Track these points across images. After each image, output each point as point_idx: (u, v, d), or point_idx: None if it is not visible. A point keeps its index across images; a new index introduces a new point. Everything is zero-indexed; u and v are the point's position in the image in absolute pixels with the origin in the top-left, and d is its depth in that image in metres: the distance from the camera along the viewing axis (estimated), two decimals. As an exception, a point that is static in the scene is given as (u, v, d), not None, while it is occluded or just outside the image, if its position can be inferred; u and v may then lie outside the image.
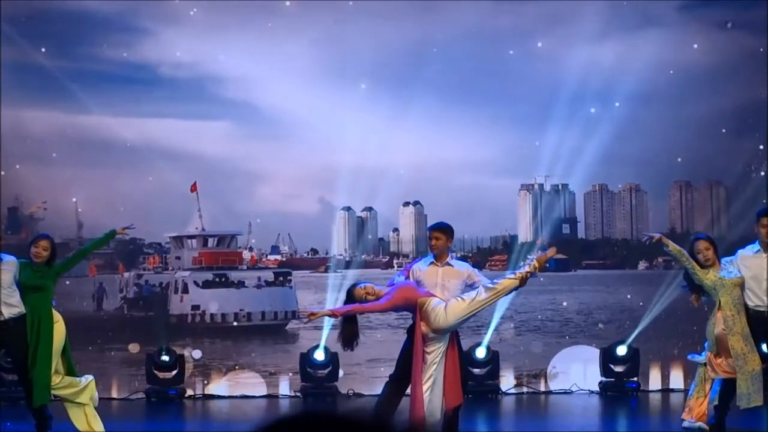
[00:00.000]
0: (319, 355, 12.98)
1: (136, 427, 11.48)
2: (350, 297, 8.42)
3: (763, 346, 9.00)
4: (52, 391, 9.01)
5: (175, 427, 12.03)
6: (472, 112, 16.09)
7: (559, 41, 15.63)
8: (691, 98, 15.53)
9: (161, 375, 12.90)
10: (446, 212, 15.21)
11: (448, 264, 8.66)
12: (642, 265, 17.48)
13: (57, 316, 9.06)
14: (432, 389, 8.20)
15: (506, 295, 8.59)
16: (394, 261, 18.31)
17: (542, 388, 13.83)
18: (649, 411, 12.53)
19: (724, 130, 15.17)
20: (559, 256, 17.78)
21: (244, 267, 17.35)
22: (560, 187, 17.65)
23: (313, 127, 15.80)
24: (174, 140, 15.20)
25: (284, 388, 13.89)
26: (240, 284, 16.95)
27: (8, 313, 8.90)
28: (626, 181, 18.33)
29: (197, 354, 14.84)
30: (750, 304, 8.98)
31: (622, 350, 13.09)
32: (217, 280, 16.92)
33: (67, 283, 13.13)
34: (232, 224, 17.08)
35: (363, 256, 17.44)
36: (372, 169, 15.16)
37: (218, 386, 13.85)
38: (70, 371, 9.12)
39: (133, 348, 14.74)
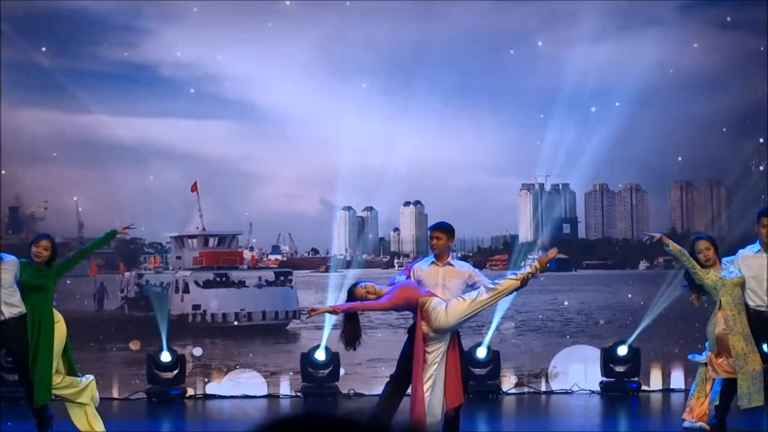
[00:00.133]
0: (320, 355, 12.98)
1: (136, 427, 11.48)
2: (351, 296, 8.43)
3: (764, 346, 9.00)
4: (53, 391, 9.01)
5: (175, 427, 12.03)
6: (473, 112, 16.09)
7: (559, 41, 15.63)
8: (692, 98, 15.53)
9: (162, 375, 12.91)
10: (447, 212, 15.18)
11: (449, 264, 8.66)
12: (643, 264, 17.47)
13: (58, 316, 9.06)
14: (432, 389, 8.20)
15: (507, 295, 8.59)
16: (395, 261, 18.31)
17: (543, 388, 13.83)
18: (649, 411, 12.53)
19: (724, 130, 15.17)
20: (560, 255, 17.77)
21: (245, 267, 17.35)
22: (561, 186, 17.65)
23: (314, 127, 15.80)
24: (174, 140, 15.21)
25: (285, 388, 13.89)
26: (241, 284, 16.96)
27: (9, 312, 8.91)
28: (627, 180, 18.34)
29: (198, 351, 14.86)
30: (751, 304, 8.99)
31: (622, 350, 13.09)
32: (218, 279, 16.92)
33: (68, 282, 13.13)
34: (232, 224, 17.08)
35: (363, 256, 17.44)
36: (372, 168, 15.17)
37: (219, 386, 13.85)
38: (71, 371, 9.13)
39: (134, 345, 14.76)
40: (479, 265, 15.51)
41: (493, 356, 13.06)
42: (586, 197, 18.22)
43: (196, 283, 16.66)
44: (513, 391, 13.57)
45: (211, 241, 17.22)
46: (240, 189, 16.52)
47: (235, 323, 16.31)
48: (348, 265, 17.02)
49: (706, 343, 9.14)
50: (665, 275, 13.79)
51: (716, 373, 9.04)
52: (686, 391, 9.60)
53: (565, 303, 16.58)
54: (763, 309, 8.97)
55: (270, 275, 17.22)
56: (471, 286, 8.54)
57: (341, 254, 17.22)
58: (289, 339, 16.21)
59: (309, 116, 15.83)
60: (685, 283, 9.25)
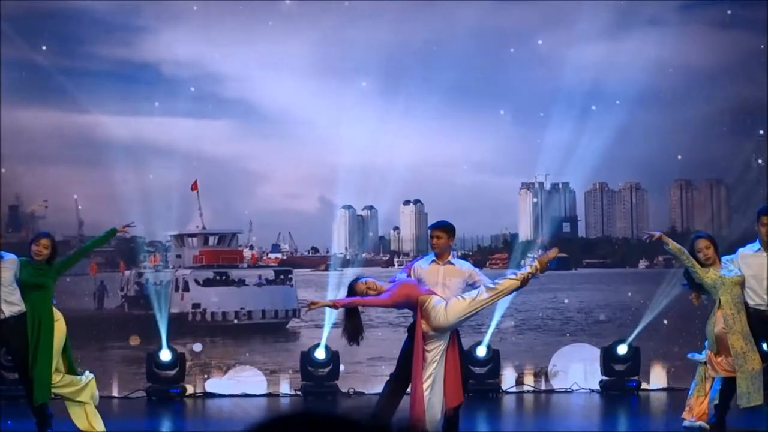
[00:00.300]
0: (320, 354, 12.99)
1: (136, 425, 11.49)
2: (351, 291, 8.44)
3: (764, 345, 9.00)
4: (53, 390, 9.02)
5: (175, 426, 12.04)
6: (473, 111, 16.10)
7: (559, 40, 15.63)
8: (692, 97, 15.53)
9: (162, 373, 12.91)
10: (446, 210, 15.18)
11: (450, 263, 8.66)
12: (642, 263, 17.48)
13: (57, 314, 9.07)
14: (432, 388, 8.20)
15: (507, 295, 8.60)
16: (395, 259, 18.31)
17: (543, 387, 13.84)
18: (649, 410, 12.53)
19: (724, 129, 15.17)
20: (560, 254, 17.78)
21: (245, 265, 17.35)
22: (560, 185, 17.65)
23: (314, 126, 15.81)
24: (174, 139, 15.20)
25: (285, 386, 13.90)
26: (241, 282, 16.96)
27: (9, 311, 8.92)
28: (626, 179, 18.34)
29: (197, 347, 14.89)
30: (750, 303, 8.99)
31: (622, 349, 13.10)
32: (218, 278, 16.92)
33: (68, 280, 13.14)
34: (232, 223, 17.08)
35: (363, 255, 17.44)
36: (372, 167, 15.17)
37: (219, 385, 13.85)
38: (71, 369, 9.14)
39: (133, 340, 14.77)
40: (479, 263, 15.52)
41: (493, 355, 13.06)
42: (585, 196, 18.22)
43: (196, 281, 16.66)
44: (513, 389, 13.58)
45: (211, 240, 17.22)
46: (240, 188, 16.53)
47: (235, 322, 16.31)
48: (348, 263, 17.03)
49: (706, 342, 9.15)
50: (665, 274, 13.80)
51: (716, 372, 9.04)
52: (686, 390, 9.59)
53: (565, 301, 16.59)
54: (762, 308, 8.97)
55: (270, 274, 17.22)
56: (471, 285, 8.54)
57: (341, 253, 17.22)
58: (289, 338, 16.21)
59: (309, 115, 15.84)
60: (685, 281, 9.26)
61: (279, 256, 18.30)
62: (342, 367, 13.18)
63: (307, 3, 15.33)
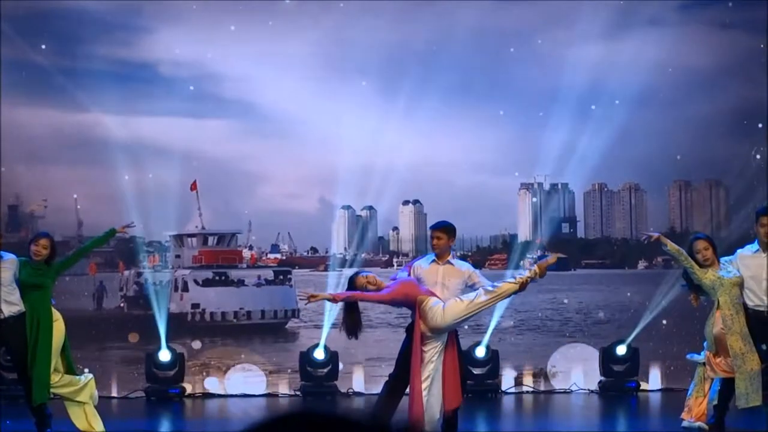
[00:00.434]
0: (319, 354, 12.99)
1: (135, 425, 11.49)
2: (352, 284, 8.45)
3: (763, 346, 9.00)
4: (52, 390, 9.02)
5: (174, 426, 12.03)
6: (472, 111, 16.10)
7: (559, 40, 15.64)
8: (691, 97, 15.54)
9: (161, 374, 12.91)
10: (446, 211, 15.19)
11: (449, 263, 8.67)
12: (641, 264, 17.48)
13: (56, 315, 9.07)
14: (430, 389, 8.20)
15: (505, 298, 8.61)
16: (394, 260, 18.31)
17: (542, 388, 13.84)
18: (648, 411, 12.54)
19: (723, 129, 15.18)
20: (559, 255, 17.79)
21: (244, 265, 17.35)
22: (560, 186, 17.65)
23: (313, 126, 15.81)
24: (174, 139, 15.21)
25: (284, 386, 13.90)
26: (240, 283, 16.96)
27: (8, 311, 8.92)
28: (625, 180, 18.34)
29: (197, 344, 14.91)
30: (749, 303, 8.99)
31: (621, 350, 13.10)
32: (217, 278, 16.92)
33: (67, 279, 13.13)
34: (232, 223, 17.08)
35: (363, 255, 17.43)
36: (372, 167, 15.16)
37: (218, 385, 13.85)
38: (70, 370, 9.14)
39: (132, 337, 14.78)
40: (478, 264, 15.52)
41: (492, 355, 13.06)
42: (585, 197, 18.22)
43: (196, 281, 16.66)
44: (512, 390, 13.58)
45: (211, 240, 17.22)
46: (239, 188, 16.53)
47: (234, 322, 16.31)
48: (347, 264, 17.02)
49: (705, 343, 9.15)
50: (664, 275, 13.80)
51: (714, 373, 9.04)
52: (685, 390, 9.59)
53: (565, 302, 16.59)
54: (762, 309, 8.97)
55: (269, 274, 17.22)
56: (470, 287, 8.54)
57: (340, 253, 17.22)
58: (288, 338, 16.21)
59: (308, 115, 15.84)
60: (684, 282, 9.26)
61: (278, 256, 18.30)
62: (341, 367, 13.18)
63: (307, 3, 15.33)
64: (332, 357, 12.99)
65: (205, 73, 15.65)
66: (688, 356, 9.54)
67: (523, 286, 8.31)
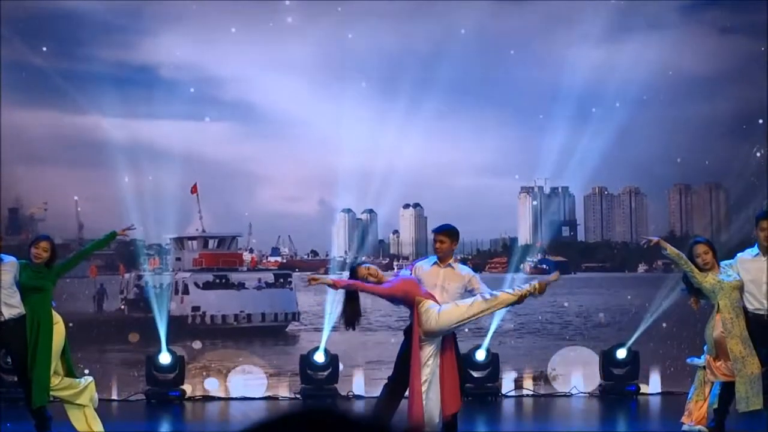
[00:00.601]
0: (319, 357, 13.00)
1: (135, 428, 11.49)
2: (353, 274, 8.43)
3: (763, 350, 9.00)
4: (52, 393, 9.02)
5: (174, 429, 12.03)
6: (472, 114, 16.10)
7: (559, 42, 15.64)
8: (691, 100, 15.54)
9: (161, 376, 12.92)
10: (446, 214, 15.16)
11: (450, 266, 8.67)
12: (641, 267, 17.48)
13: (57, 317, 9.07)
14: (427, 393, 8.17)
15: (502, 308, 8.59)
16: (394, 263, 18.31)
17: (542, 391, 13.84)
18: (648, 414, 12.54)
19: (723, 133, 15.19)
20: (559, 258, 17.80)
21: (245, 268, 17.35)
22: (560, 189, 17.65)
23: (314, 128, 15.81)
24: (174, 141, 15.20)
25: (284, 389, 13.90)
26: (240, 286, 16.96)
27: (8, 313, 8.92)
28: (626, 183, 18.34)
29: (197, 344, 14.92)
30: (750, 307, 8.99)
31: (621, 353, 13.10)
32: (218, 281, 16.92)
33: (67, 282, 13.14)
34: (232, 226, 17.08)
35: (363, 258, 17.43)
36: (372, 170, 15.17)
37: (218, 387, 13.86)
38: (70, 372, 9.14)
39: (133, 337, 14.79)
40: (478, 267, 15.53)
41: (492, 358, 13.07)
42: (585, 200, 18.22)
43: (196, 284, 16.66)
44: (512, 393, 13.58)
45: (211, 243, 17.22)
46: (240, 191, 16.53)
47: (235, 325, 16.31)
48: (347, 267, 17.01)
49: (705, 347, 9.15)
50: (664, 278, 13.81)
51: (715, 377, 9.05)
52: (685, 394, 9.59)
53: (565, 305, 16.59)
54: (762, 313, 8.97)
55: (269, 277, 17.22)
56: (470, 292, 8.54)
57: (341, 256, 17.22)
58: (289, 341, 16.20)
59: (309, 118, 15.84)
60: (684, 286, 9.26)
61: (278, 259, 18.30)
62: (341, 369, 13.18)
63: (307, 4, 15.34)
64: (332, 360, 13.00)
65: (206, 76, 15.66)
66: (688, 360, 9.55)
67: (521, 299, 8.31)
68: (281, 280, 17.12)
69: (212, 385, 13.92)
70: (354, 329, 8.58)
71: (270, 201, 16.83)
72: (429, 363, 8.20)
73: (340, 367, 13.16)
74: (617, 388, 13.01)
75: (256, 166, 16.63)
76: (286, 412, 1.66)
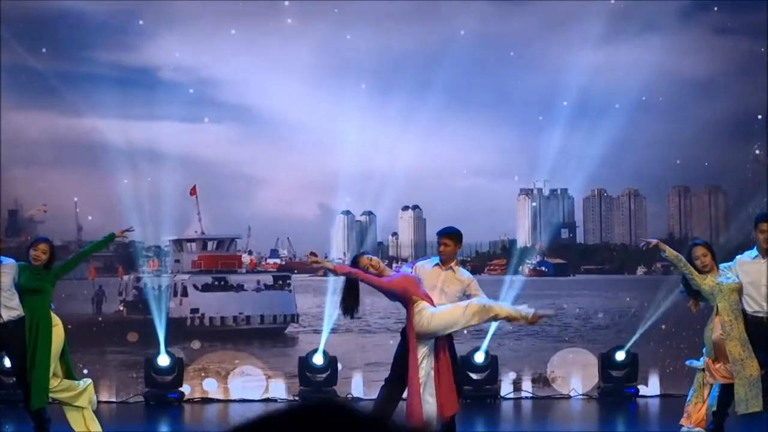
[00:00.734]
0: (318, 359, 13.00)
1: (134, 430, 11.49)
2: (355, 263, 8.39)
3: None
4: (51, 395, 9.02)
5: (173, 431, 12.03)
6: (472, 116, 16.10)
7: (558, 45, 15.64)
8: (691, 102, 15.55)
9: (160, 378, 12.91)
10: (445, 216, 15.16)
11: (452, 269, 8.65)
12: (640, 270, 17.48)
13: (56, 319, 9.08)
14: (422, 395, 8.14)
15: (492, 321, 8.54)
16: (393, 265, 18.26)
17: (541, 393, 13.84)
18: (647, 416, 12.54)
19: (723, 135, 15.19)
20: (558, 260, 17.80)
21: (244, 270, 17.34)
22: (559, 191, 17.65)
23: (313, 131, 15.81)
24: (173, 143, 15.20)
25: (283, 391, 13.89)
26: (239, 288, 16.95)
27: (7, 315, 8.92)
28: (625, 185, 18.33)
29: (196, 345, 14.93)
30: (749, 310, 8.99)
31: (620, 355, 13.10)
32: (217, 283, 16.91)
33: (66, 284, 13.13)
34: (231, 228, 17.07)
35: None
36: (371, 173, 15.17)
37: (217, 389, 13.85)
38: (69, 374, 9.14)
39: (132, 336, 14.79)
40: (477, 269, 15.53)
41: (491, 361, 13.07)
42: (584, 202, 18.22)
43: (195, 286, 16.65)
44: (511, 395, 13.57)
45: (210, 245, 17.21)
46: (239, 193, 16.53)
47: (234, 327, 16.31)
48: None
49: (704, 349, 9.15)
50: (663, 281, 13.81)
51: (714, 379, 9.05)
52: (684, 396, 9.59)
53: (564, 307, 16.58)
54: (761, 315, 8.97)
55: (268, 279, 17.21)
56: (467, 296, 8.53)
57: (340, 258, 17.21)
58: (287, 343, 16.20)
59: (308, 119, 15.84)
60: (683, 288, 9.27)
61: (277, 261, 18.30)
62: (340, 371, 13.18)
63: (306, 7, 15.34)
64: (331, 362, 13.00)
65: (205, 77, 15.67)
66: (687, 363, 9.55)
67: (511, 319, 8.26)
68: (280, 282, 17.12)
69: (211, 387, 13.92)
70: (352, 317, 8.53)
71: (269, 203, 16.83)
72: (423, 365, 8.18)
73: (339, 369, 13.16)
74: (616, 390, 13.01)
75: (255, 168, 16.63)
76: (284, 408, 1.65)
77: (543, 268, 17.64)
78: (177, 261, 16.97)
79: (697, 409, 9.18)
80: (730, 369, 8.90)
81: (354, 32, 15.29)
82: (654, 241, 9.24)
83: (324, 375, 12.97)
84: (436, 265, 8.67)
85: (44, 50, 15.01)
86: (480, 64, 15.59)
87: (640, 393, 13.14)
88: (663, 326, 13.89)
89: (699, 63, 15.61)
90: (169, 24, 15.56)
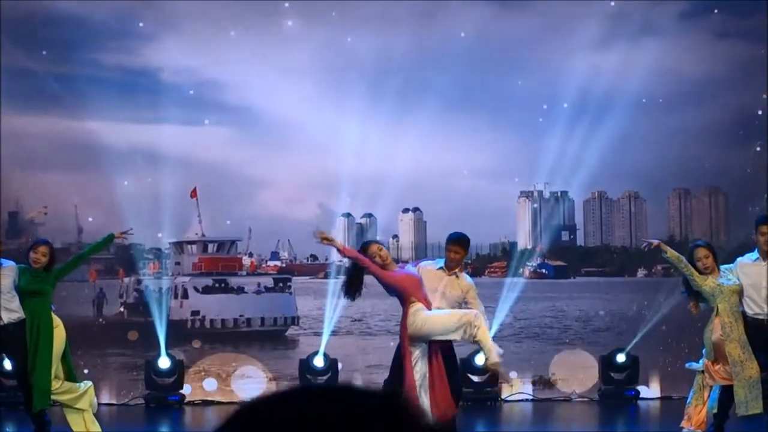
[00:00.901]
0: (319, 362, 12.99)
1: (135, 432, 11.49)
2: (364, 249, 8.35)
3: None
4: (52, 396, 9.02)
5: (173, 433, 12.03)
6: (472, 118, 16.11)
7: (558, 48, 15.65)
8: (691, 105, 15.55)
9: (160, 381, 12.91)
10: (445, 219, 15.20)
11: (456, 275, 8.63)
12: (641, 272, 17.48)
13: (57, 321, 9.08)
14: (419, 398, 8.12)
15: (470, 341, 8.46)
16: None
17: (541, 396, 13.83)
18: (648, 419, 12.53)
19: (723, 137, 15.19)
20: (559, 263, 17.81)
21: (244, 273, 17.34)
22: (559, 194, 17.66)
23: (314, 134, 15.82)
24: (174, 146, 15.20)
25: (283, 394, 13.87)
26: (240, 290, 16.95)
27: (8, 318, 8.93)
28: (625, 188, 18.35)
29: (197, 343, 14.95)
30: (749, 312, 8.99)
31: (621, 358, 13.09)
32: (217, 285, 16.92)
33: (66, 286, 13.13)
34: (231, 230, 17.08)
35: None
36: (372, 175, 15.17)
37: (217, 392, 13.85)
38: (70, 376, 9.14)
39: (132, 335, 14.80)
40: (478, 272, 15.53)
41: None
42: (584, 204, 18.23)
43: (195, 289, 16.65)
44: (511, 398, 13.57)
45: (210, 247, 17.22)
46: (239, 195, 16.54)
47: (234, 329, 16.31)
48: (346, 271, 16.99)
49: (703, 350, 9.15)
50: (663, 283, 13.81)
51: (713, 380, 9.04)
52: (685, 398, 9.59)
53: (564, 309, 16.59)
54: (762, 317, 8.96)
55: (269, 281, 17.22)
56: (465, 303, 8.53)
57: (340, 260, 17.22)
58: (288, 345, 16.20)
59: (308, 122, 15.85)
60: (684, 289, 9.27)
61: (278, 263, 18.31)
62: (340, 372, 13.17)
63: (307, 9, 15.35)
64: (332, 364, 13.00)
65: (205, 80, 15.68)
66: (687, 365, 9.54)
67: (483, 346, 8.21)
68: (281, 285, 17.12)
69: (211, 390, 13.91)
70: (353, 300, 8.48)
71: (269, 205, 16.84)
72: (418, 368, 8.18)
73: (340, 371, 13.15)
74: (617, 392, 13.00)
75: (255, 169, 16.64)
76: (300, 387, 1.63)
77: (543, 271, 17.65)
78: (177, 263, 16.98)
79: (698, 411, 9.17)
80: (729, 370, 8.90)
81: (354, 34, 15.30)
82: (655, 242, 9.25)
83: (324, 377, 12.97)
84: (441, 268, 8.65)
85: (44, 52, 15.03)
86: (480, 66, 15.60)
87: (641, 395, 13.12)
88: (663, 328, 13.89)
89: (699, 65, 15.62)
90: (170, 26, 15.57)
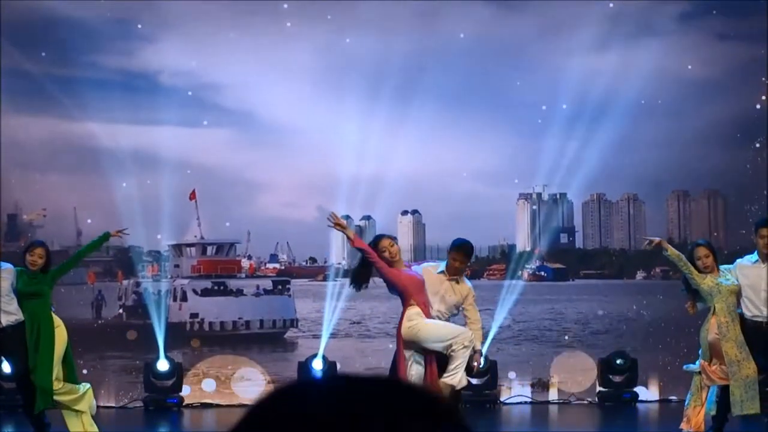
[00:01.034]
0: (318, 364, 12.97)
1: (133, 435, 11.47)
2: (375, 241, 8.37)
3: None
4: (54, 397, 9.02)
5: (172, 435, 12.02)
6: (471, 121, 16.11)
7: (558, 50, 15.66)
8: (690, 107, 15.56)
9: (159, 383, 12.89)
10: (444, 221, 15.22)
11: (456, 280, 8.62)
12: (640, 274, 17.48)
13: (58, 321, 9.08)
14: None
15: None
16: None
17: (540, 398, 13.82)
18: (647, 421, 12.52)
19: (722, 139, 15.20)
20: (557, 265, 17.81)
21: (243, 275, 17.34)
22: (558, 196, 17.66)
23: (312, 136, 15.82)
24: (173, 148, 15.20)
25: (282, 396, 13.85)
26: (238, 292, 16.95)
27: (6, 320, 8.92)
28: (624, 190, 18.35)
29: (196, 343, 14.95)
30: (747, 314, 8.99)
31: (620, 360, 13.09)
32: (216, 288, 16.91)
33: (67, 286, 13.13)
34: (230, 232, 17.08)
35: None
36: (370, 177, 15.17)
37: (216, 394, 13.83)
38: (71, 378, 9.13)
39: (131, 335, 14.79)
40: (476, 274, 15.52)
41: (491, 366, 13.05)
42: (583, 207, 18.23)
43: (194, 291, 16.65)
44: (510, 401, 13.56)
45: (209, 250, 17.22)
46: (238, 197, 16.54)
47: (233, 331, 16.30)
48: (346, 274, 17.01)
49: (699, 351, 9.15)
50: (662, 285, 13.81)
51: (711, 381, 9.04)
52: (683, 400, 9.58)
53: (563, 312, 16.58)
54: (760, 319, 8.96)
55: (268, 284, 17.21)
56: (463, 307, 8.54)
57: (339, 263, 17.21)
58: (287, 348, 16.19)
59: (307, 125, 15.85)
60: (683, 287, 9.27)
61: (277, 266, 18.30)
62: (339, 370, 13.16)
63: (306, 10, 15.35)
64: (331, 367, 12.98)
65: (204, 83, 15.68)
66: (685, 367, 9.54)
67: (453, 367, 8.25)
68: (279, 287, 17.12)
69: (210, 392, 13.90)
70: (358, 290, 8.51)
71: (268, 208, 16.84)
72: (413, 370, 8.19)
73: (339, 372, 13.13)
74: (615, 394, 12.99)
75: (254, 172, 16.64)
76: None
77: (542, 273, 17.65)
78: (176, 266, 16.97)
79: (696, 412, 9.16)
80: (726, 370, 8.89)
81: (353, 36, 15.30)
82: (657, 240, 9.25)
83: (323, 379, 12.95)
84: (443, 272, 8.63)
85: (43, 54, 15.02)
86: (479, 67, 15.60)
87: (640, 397, 13.11)
88: (662, 331, 13.89)
89: (698, 67, 15.63)
90: (168, 28, 15.58)
